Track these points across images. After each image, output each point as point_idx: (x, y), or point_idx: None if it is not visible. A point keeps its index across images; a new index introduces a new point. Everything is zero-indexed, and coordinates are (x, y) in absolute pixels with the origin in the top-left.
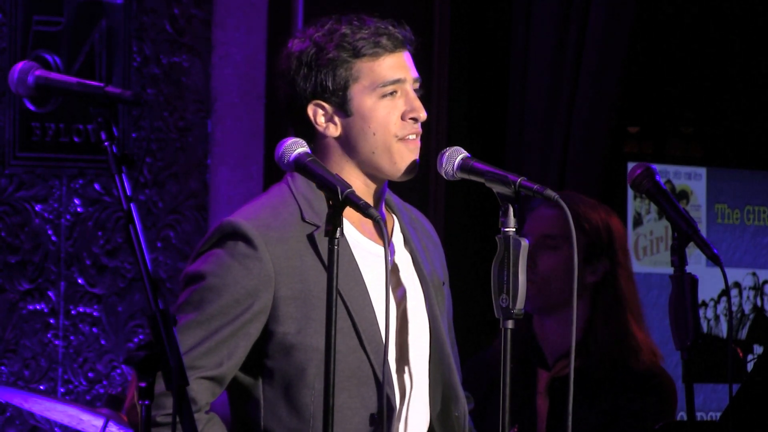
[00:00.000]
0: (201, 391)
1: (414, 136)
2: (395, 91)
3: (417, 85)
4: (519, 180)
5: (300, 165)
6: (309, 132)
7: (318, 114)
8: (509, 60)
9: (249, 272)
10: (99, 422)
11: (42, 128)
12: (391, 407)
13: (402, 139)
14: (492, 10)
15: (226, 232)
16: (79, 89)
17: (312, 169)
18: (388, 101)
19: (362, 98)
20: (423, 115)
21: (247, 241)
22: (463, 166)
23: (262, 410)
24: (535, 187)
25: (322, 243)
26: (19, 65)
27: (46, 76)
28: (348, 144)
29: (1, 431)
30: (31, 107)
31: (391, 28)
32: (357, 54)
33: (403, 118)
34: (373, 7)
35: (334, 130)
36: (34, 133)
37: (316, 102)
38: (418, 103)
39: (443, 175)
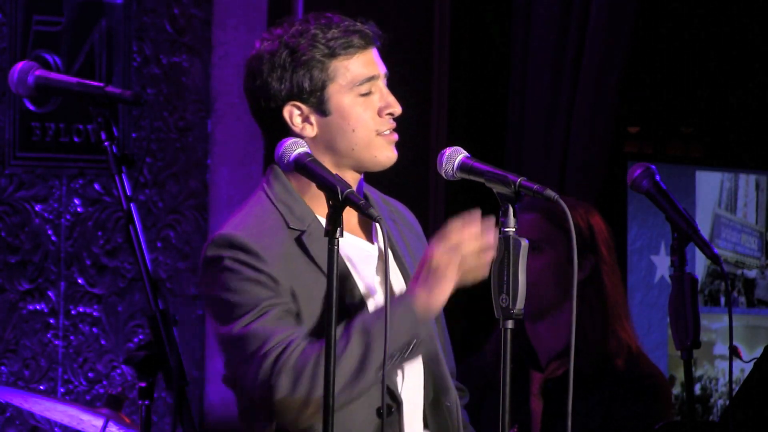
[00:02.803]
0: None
1: (390, 131)
2: (370, 91)
3: (385, 81)
4: (519, 180)
5: (300, 165)
6: (282, 134)
7: (294, 115)
8: (509, 60)
9: (260, 272)
10: (99, 422)
11: (42, 128)
12: (398, 401)
13: (381, 134)
14: (492, 11)
15: (221, 245)
16: (79, 89)
17: (312, 169)
18: (364, 99)
19: (340, 97)
20: (398, 109)
21: (245, 249)
22: (463, 166)
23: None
24: (535, 187)
25: (312, 245)
26: (19, 65)
27: (46, 76)
28: (325, 143)
29: (1, 431)
30: (31, 107)
31: (359, 25)
32: (332, 54)
33: (379, 114)
34: (373, 7)
35: (310, 131)
36: (34, 133)
37: (293, 103)
38: (392, 99)
39: (443, 174)
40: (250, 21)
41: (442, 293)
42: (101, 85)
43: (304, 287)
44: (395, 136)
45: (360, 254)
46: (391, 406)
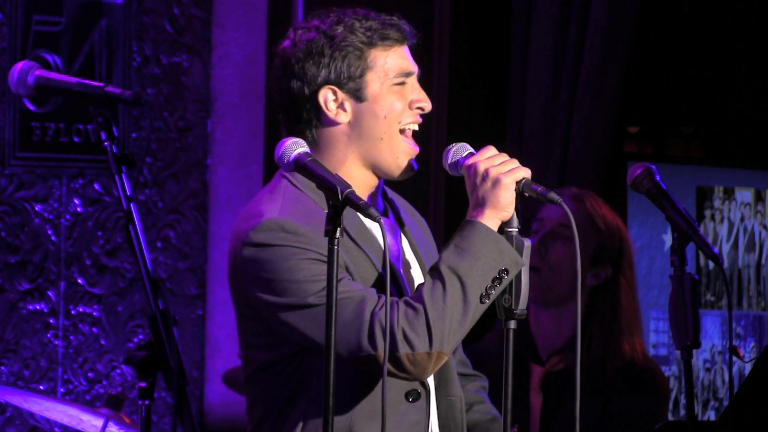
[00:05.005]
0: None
1: (414, 127)
2: (404, 82)
3: (417, 79)
4: (523, 180)
5: (300, 165)
6: (311, 122)
7: (329, 100)
8: (509, 60)
9: (319, 253)
10: (99, 422)
11: (42, 128)
12: (426, 386)
13: (403, 131)
14: (492, 10)
15: (272, 229)
16: (79, 89)
17: (312, 169)
18: (398, 89)
19: (377, 85)
20: (428, 105)
21: (298, 233)
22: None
23: (305, 386)
24: (540, 189)
25: (348, 225)
26: (19, 65)
27: (46, 76)
28: (356, 130)
29: (1, 431)
30: (31, 107)
31: (396, 20)
32: (371, 42)
33: (410, 106)
34: (373, 7)
35: (344, 117)
36: (34, 133)
37: (329, 87)
38: (424, 95)
39: (447, 170)
40: (250, 21)
41: (507, 199)
42: (101, 85)
43: (353, 264)
44: (417, 149)
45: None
46: (419, 391)
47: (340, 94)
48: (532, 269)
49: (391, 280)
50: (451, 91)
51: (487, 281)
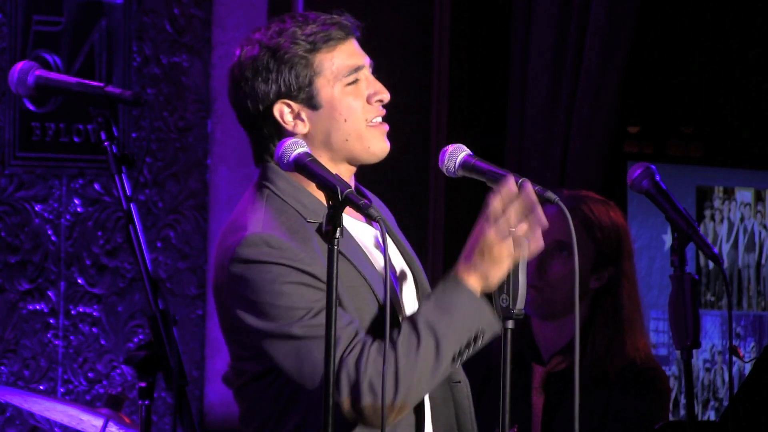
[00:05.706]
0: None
1: (380, 119)
2: (357, 79)
3: (371, 70)
4: (521, 180)
5: (300, 165)
6: (273, 137)
7: (285, 113)
8: (509, 60)
9: (303, 272)
10: (99, 422)
11: (42, 128)
12: None
13: (371, 124)
14: (492, 10)
15: (257, 244)
16: (79, 89)
17: (312, 169)
18: (352, 88)
19: (329, 89)
20: (387, 96)
21: (282, 248)
22: (465, 164)
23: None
24: (537, 188)
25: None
26: (19, 65)
27: (46, 76)
28: (319, 137)
29: (1, 431)
30: (31, 107)
31: (336, 17)
32: (314, 48)
33: (368, 101)
34: (373, 7)
35: (302, 127)
36: (34, 133)
37: (282, 101)
38: (380, 85)
39: (444, 171)
40: (250, 21)
41: (498, 277)
42: (101, 85)
43: (340, 277)
44: (386, 127)
45: (367, 235)
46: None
47: (294, 105)
48: (533, 287)
49: (375, 285)
50: (451, 91)
51: (462, 342)
